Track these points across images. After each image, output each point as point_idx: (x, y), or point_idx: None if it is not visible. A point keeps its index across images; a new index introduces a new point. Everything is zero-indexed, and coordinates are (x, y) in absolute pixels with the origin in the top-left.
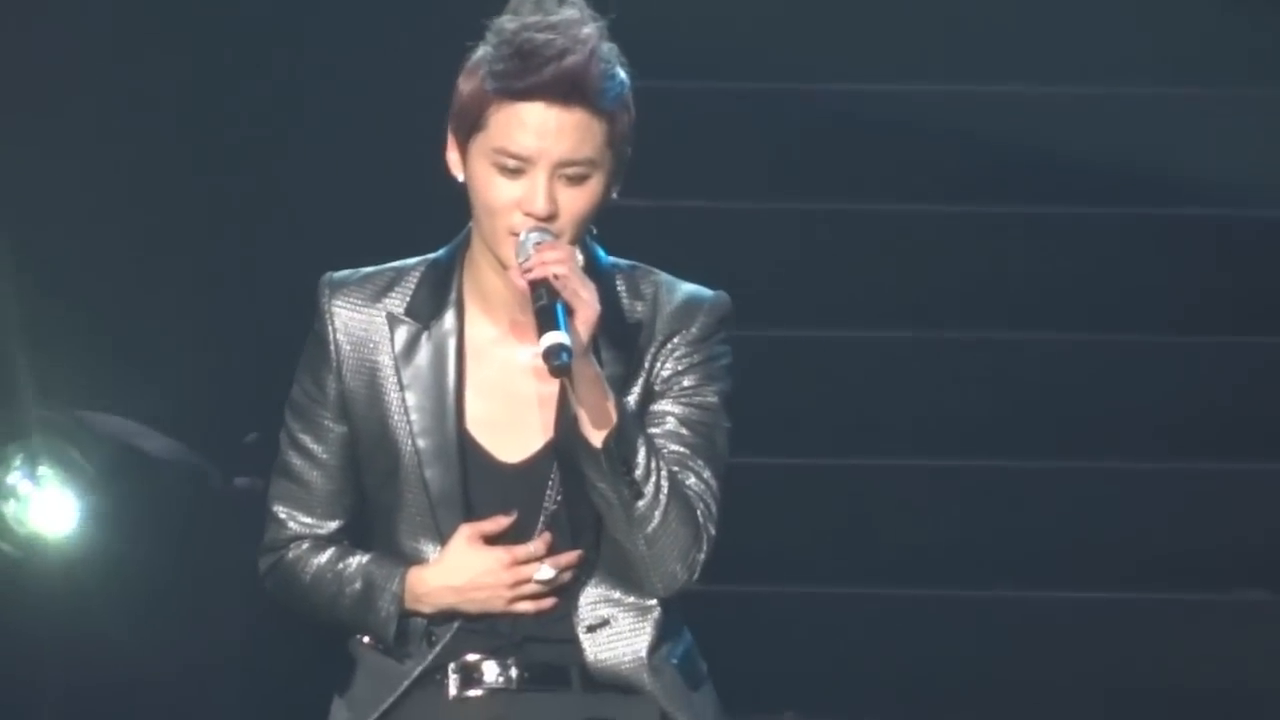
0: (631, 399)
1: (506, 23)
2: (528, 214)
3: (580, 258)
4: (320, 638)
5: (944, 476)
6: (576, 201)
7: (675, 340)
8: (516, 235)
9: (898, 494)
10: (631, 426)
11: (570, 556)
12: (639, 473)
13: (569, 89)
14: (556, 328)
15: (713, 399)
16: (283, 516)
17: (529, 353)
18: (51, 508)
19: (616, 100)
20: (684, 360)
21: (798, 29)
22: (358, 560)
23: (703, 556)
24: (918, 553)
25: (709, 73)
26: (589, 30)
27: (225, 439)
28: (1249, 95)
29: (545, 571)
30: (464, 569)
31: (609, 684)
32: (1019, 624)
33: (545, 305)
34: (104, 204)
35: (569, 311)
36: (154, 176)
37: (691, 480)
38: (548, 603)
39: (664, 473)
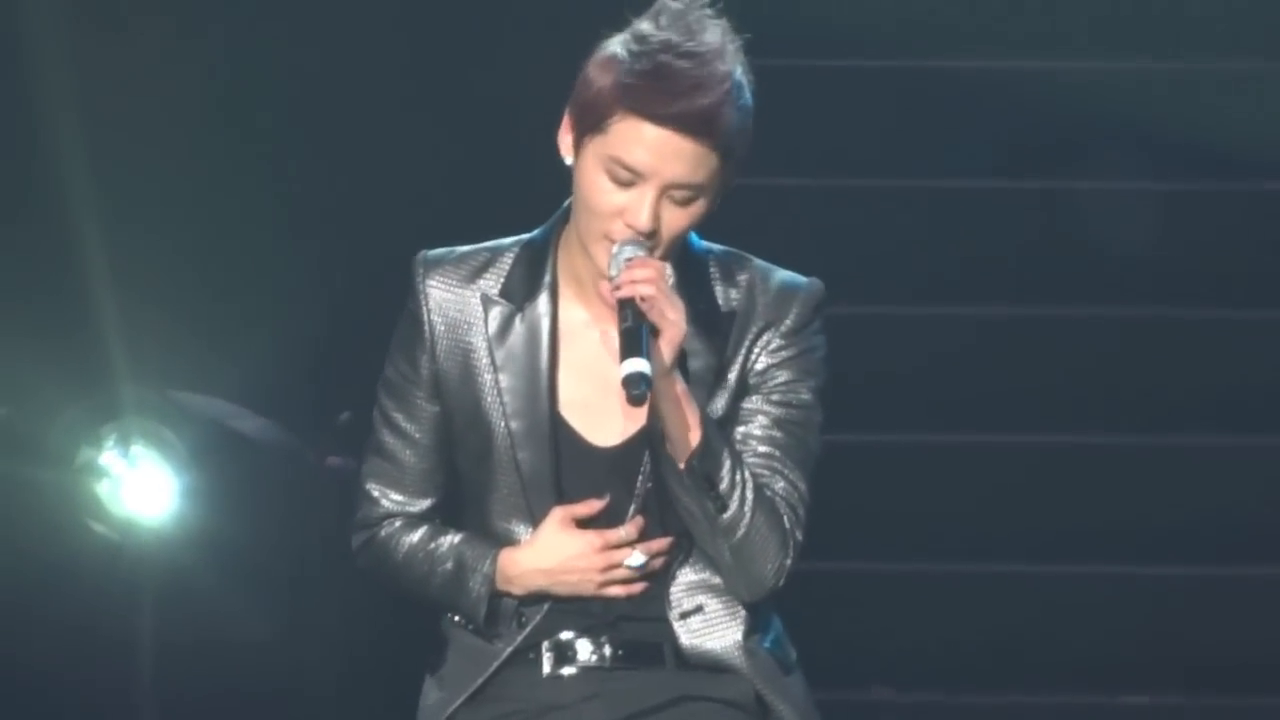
0: (725, 391)
1: (648, 31)
2: (629, 225)
3: (671, 273)
4: (412, 616)
5: (1023, 453)
6: (678, 221)
7: (771, 332)
8: (612, 241)
9: (977, 471)
10: (716, 441)
11: (662, 543)
12: (723, 487)
13: (698, 125)
14: (639, 354)
15: (806, 395)
16: (376, 494)
17: None
18: (146, 488)
19: (739, 136)
20: (780, 353)
21: (899, 5)
22: (450, 540)
23: (789, 563)
24: (1006, 529)
25: (806, 51)
26: (726, 67)
27: (318, 418)
28: None
29: (636, 558)
30: (556, 552)
31: (703, 665)
32: (1109, 598)
33: (630, 328)
34: (194, 189)
35: (654, 332)
36: (242, 162)
37: (780, 485)
38: (638, 587)
39: (749, 485)
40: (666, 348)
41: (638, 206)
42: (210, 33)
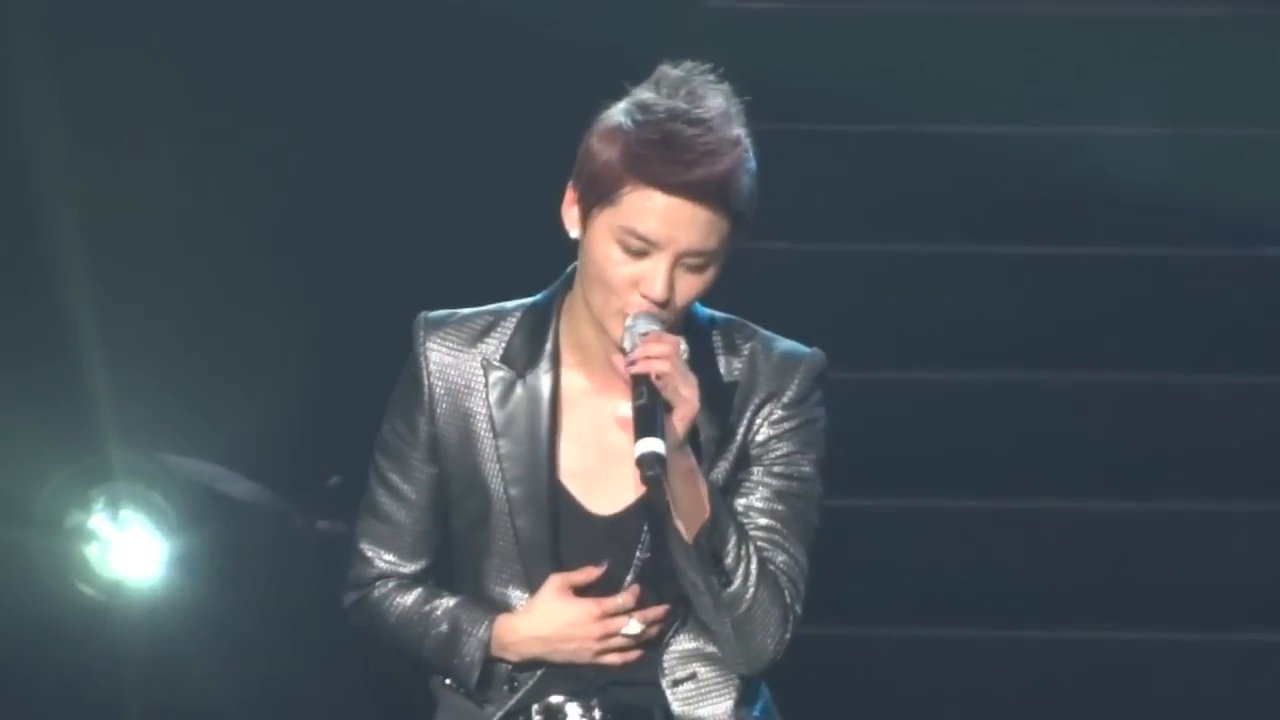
0: (727, 462)
1: (652, 100)
2: (644, 295)
3: (685, 349)
4: (401, 680)
5: (1013, 519)
6: (690, 289)
7: (773, 403)
8: (626, 314)
9: (965, 535)
10: (724, 517)
11: (658, 611)
12: (729, 562)
13: (713, 192)
14: (653, 433)
15: (807, 468)
16: (369, 554)
17: (624, 406)
18: (134, 552)
19: (750, 201)
20: (781, 425)
21: (880, 71)
22: (445, 604)
23: (789, 635)
24: (991, 594)
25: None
26: (735, 132)
27: (307, 482)
28: None
29: (633, 626)
30: (553, 620)
31: None
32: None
33: (645, 405)
34: (184, 256)
35: (667, 409)
36: (232, 230)
37: (781, 559)
38: (634, 655)
39: (754, 560)
40: (680, 424)
41: (653, 277)
42: (200, 98)
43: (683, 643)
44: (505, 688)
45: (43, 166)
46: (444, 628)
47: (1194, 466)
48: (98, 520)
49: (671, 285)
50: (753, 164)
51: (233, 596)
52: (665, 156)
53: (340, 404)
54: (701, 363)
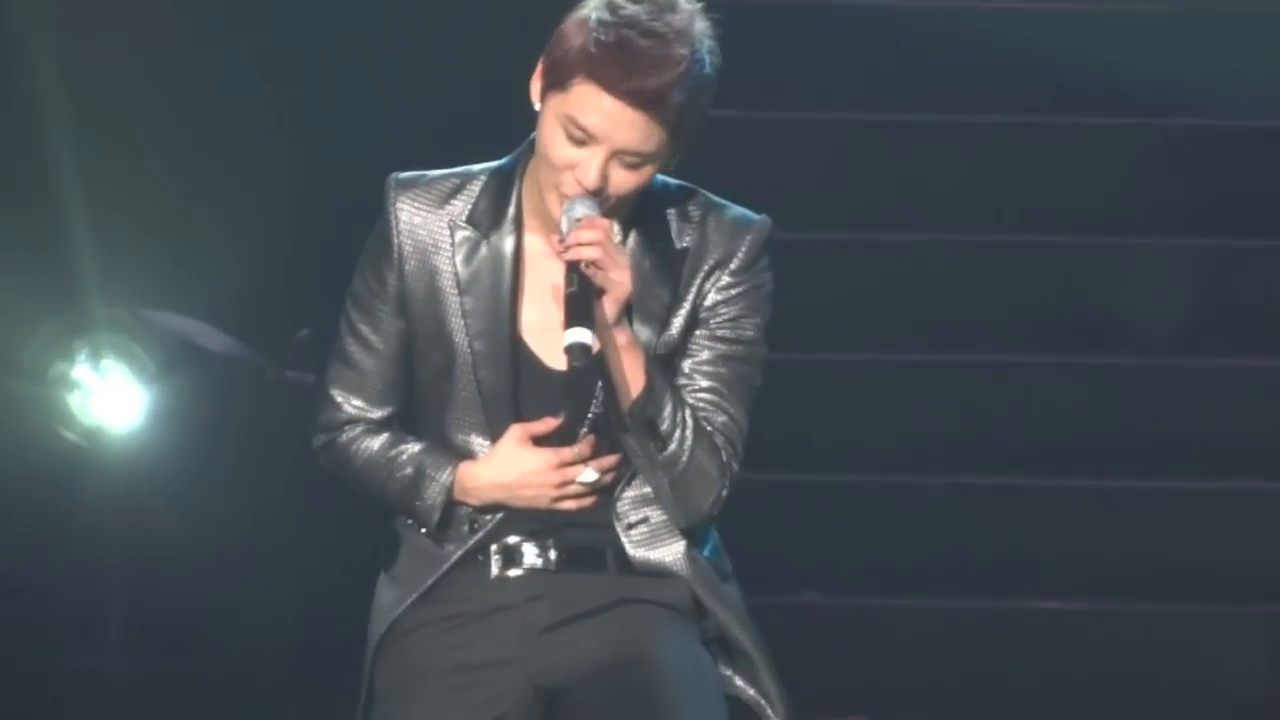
0: (678, 324)
1: (619, 4)
2: (577, 180)
3: (618, 231)
4: (367, 521)
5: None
6: (626, 183)
7: (721, 269)
8: (563, 194)
9: (900, 389)
10: (660, 387)
11: (611, 460)
12: (664, 428)
13: (649, 101)
14: (581, 322)
15: (751, 331)
16: (339, 399)
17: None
18: (115, 400)
19: (690, 112)
20: (728, 290)
21: None
22: (410, 449)
23: (725, 493)
24: (929, 445)
25: None
26: (685, 50)
27: (278, 335)
28: None
29: (589, 474)
30: (513, 467)
31: (645, 571)
32: (1022, 510)
33: (575, 293)
34: (167, 111)
35: (600, 293)
36: (216, 86)
37: (721, 420)
38: (588, 501)
39: (689, 426)
40: (612, 306)
41: (587, 165)
42: None
43: (635, 489)
44: (465, 528)
45: (23, 18)
46: (408, 471)
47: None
48: (81, 370)
49: (605, 177)
50: (704, 79)
51: (207, 443)
52: (615, 60)
53: (310, 260)
54: (654, 229)
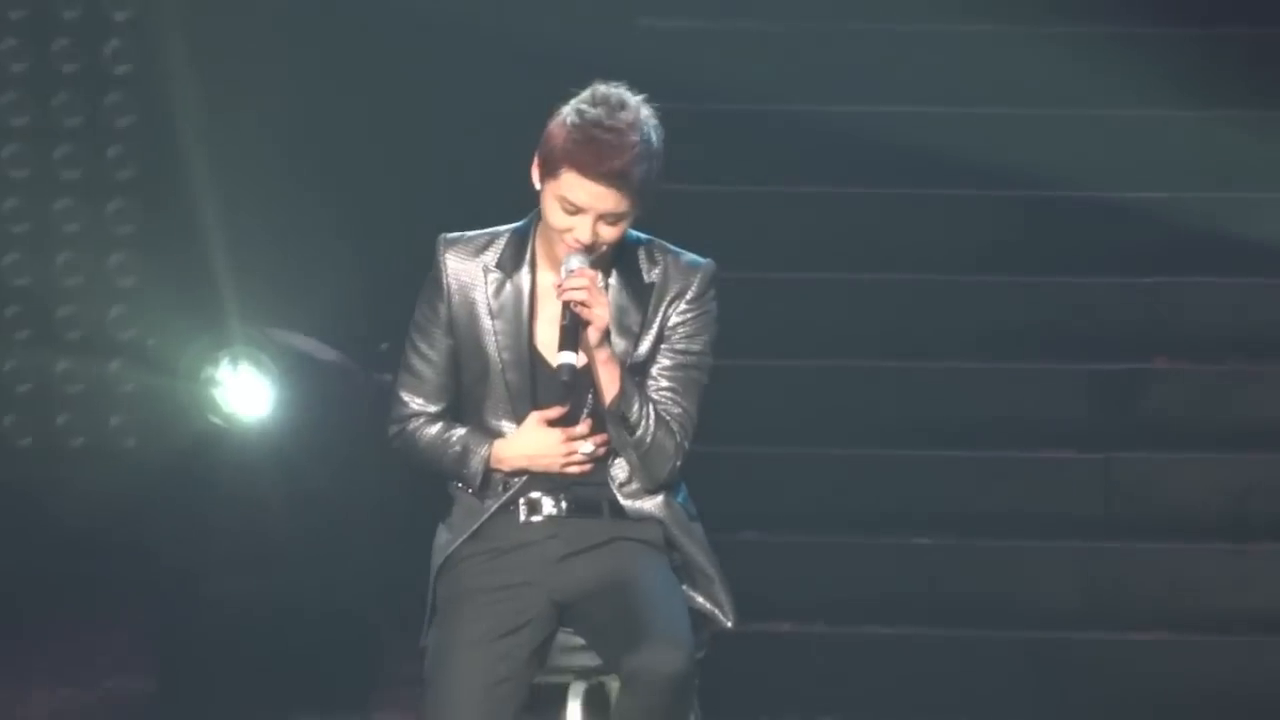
0: (649, 339)
1: (585, 109)
2: (576, 239)
3: (601, 280)
4: (428, 486)
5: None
6: (609, 235)
7: (679, 298)
8: (567, 246)
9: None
10: (630, 389)
11: (602, 437)
12: (634, 418)
13: (617, 180)
14: (570, 348)
15: (698, 346)
16: (405, 399)
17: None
18: (249, 396)
19: (648, 181)
20: (684, 315)
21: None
22: (458, 432)
23: (679, 464)
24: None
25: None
26: (637, 136)
27: (368, 349)
28: None
29: (587, 446)
30: (534, 443)
31: (627, 512)
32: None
33: (568, 325)
34: (286, 188)
35: (585, 325)
36: (325, 166)
37: (677, 411)
38: (588, 467)
39: (652, 418)
40: (594, 334)
41: (581, 230)
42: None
43: (623, 461)
44: (499, 488)
45: (176, 102)
46: (457, 448)
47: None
48: (223, 373)
49: (595, 234)
50: (654, 151)
51: (317, 426)
52: (587, 152)
53: (387, 296)
54: (630, 270)
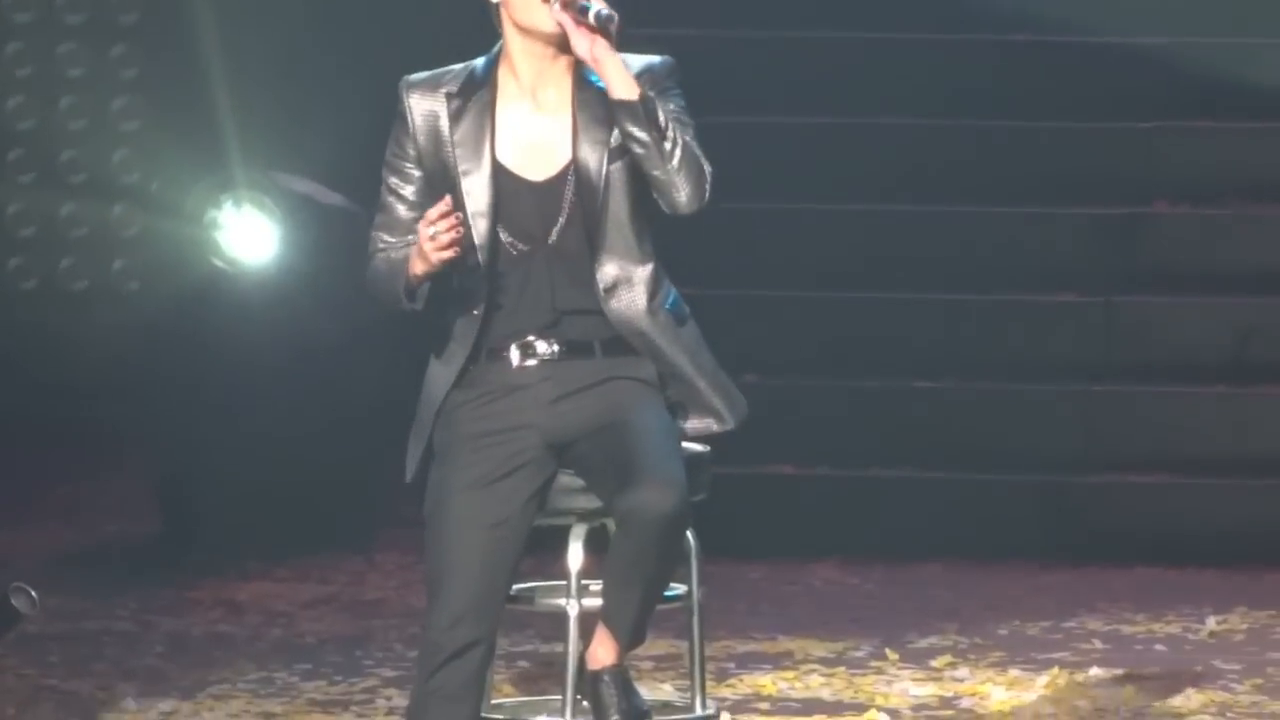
0: (618, 145)
1: None
2: None
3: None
4: (414, 327)
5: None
6: None
7: (642, 84)
8: (546, 1)
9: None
10: (650, 96)
11: (455, 217)
12: (662, 120)
13: None
14: (593, 7)
15: (673, 106)
16: (374, 236)
17: (547, 107)
18: (252, 238)
19: None
20: (658, 88)
21: None
22: (396, 254)
23: (709, 186)
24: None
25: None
26: None
27: (369, 192)
28: None
29: (441, 225)
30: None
31: (619, 351)
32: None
33: (582, 5)
34: (290, 31)
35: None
36: (328, 19)
37: (688, 137)
38: (449, 252)
39: (673, 126)
40: (611, 41)
41: None
42: None
43: (606, 265)
44: (473, 314)
45: None
46: (393, 269)
47: None
48: (227, 215)
49: None
50: None
51: (319, 266)
52: None
53: (388, 137)
54: (587, 87)
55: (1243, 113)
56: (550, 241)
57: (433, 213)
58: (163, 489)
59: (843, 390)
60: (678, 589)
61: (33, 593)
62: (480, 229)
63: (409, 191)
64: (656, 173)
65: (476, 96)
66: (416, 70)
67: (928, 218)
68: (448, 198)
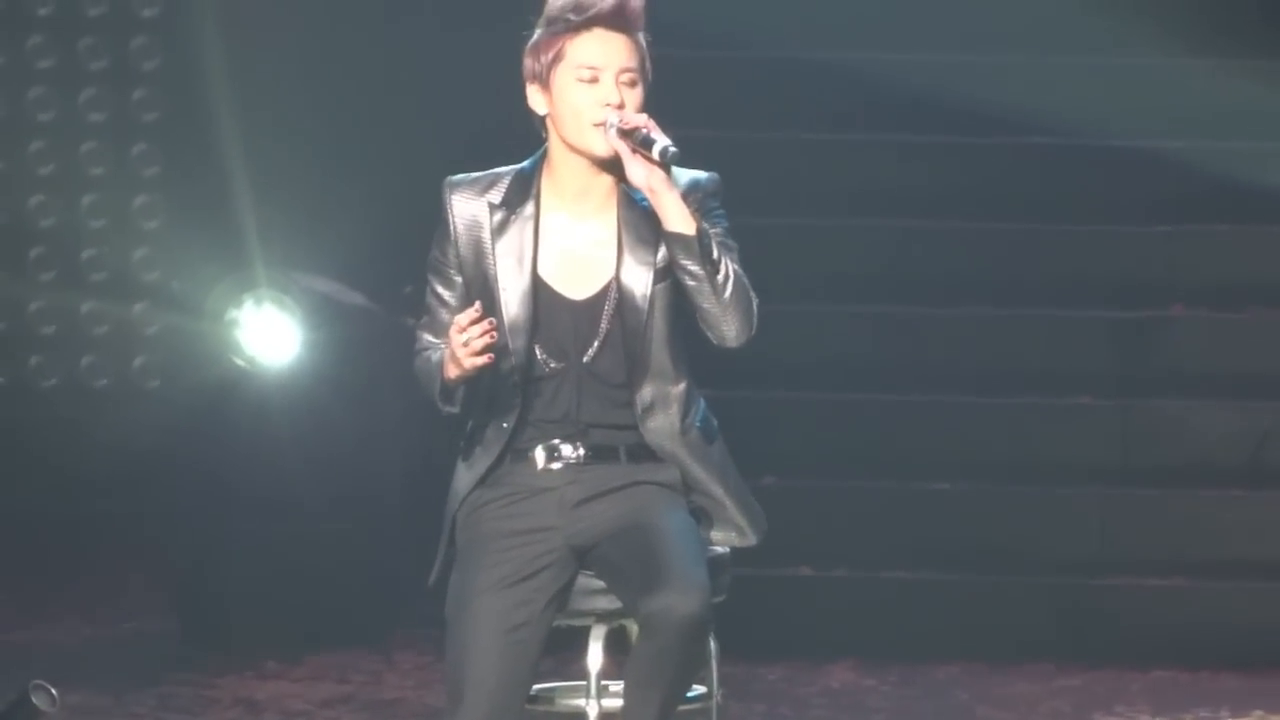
0: (665, 265)
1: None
2: (607, 104)
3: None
4: (450, 424)
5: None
6: (633, 100)
7: (693, 204)
8: (600, 125)
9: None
10: (705, 230)
11: (489, 322)
12: (716, 255)
13: (618, 16)
14: (664, 139)
15: (719, 230)
16: (418, 336)
17: (590, 223)
18: (273, 337)
19: (644, 19)
20: (705, 212)
21: None
22: (436, 355)
23: (756, 314)
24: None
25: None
26: None
27: (390, 291)
28: None
29: (475, 331)
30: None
31: (646, 457)
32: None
33: (643, 137)
34: (312, 116)
35: (652, 144)
36: (352, 97)
37: (736, 265)
38: (483, 359)
39: (725, 259)
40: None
41: (607, 91)
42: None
43: (646, 386)
44: (503, 425)
45: (202, 46)
46: (431, 369)
47: None
48: (247, 314)
49: (621, 95)
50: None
51: (342, 368)
52: (579, 9)
53: (409, 237)
54: (631, 206)
55: (1259, 217)
56: (585, 360)
57: (463, 318)
58: (181, 587)
59: (860, 491)
60: (698, 690)
61: (53, 690)
62: (517, 345)
63: (450, 296)
64: (707, 305)
65: (521, 208)
66: (434, 169)
67: (944, 320)
68: (478, 304)
